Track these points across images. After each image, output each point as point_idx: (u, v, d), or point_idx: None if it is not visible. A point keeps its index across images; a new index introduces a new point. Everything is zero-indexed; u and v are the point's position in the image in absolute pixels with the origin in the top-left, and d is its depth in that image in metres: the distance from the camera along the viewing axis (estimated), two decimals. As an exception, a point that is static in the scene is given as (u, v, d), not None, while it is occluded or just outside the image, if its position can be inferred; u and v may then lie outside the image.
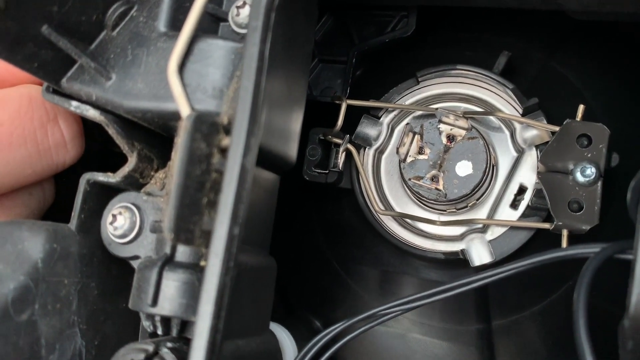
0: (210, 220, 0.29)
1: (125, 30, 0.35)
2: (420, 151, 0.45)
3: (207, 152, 0.30)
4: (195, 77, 0.33)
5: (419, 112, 0.48)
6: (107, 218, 0.37)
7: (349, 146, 0.47)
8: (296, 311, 0.55)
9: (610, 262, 0.33)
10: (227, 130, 0.31)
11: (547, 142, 0.44)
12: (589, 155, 0.41)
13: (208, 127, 0.30)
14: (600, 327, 0.36)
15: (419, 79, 0.48)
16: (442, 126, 0.44)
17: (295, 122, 0.39)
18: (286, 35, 0.36)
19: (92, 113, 0.35)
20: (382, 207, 0.48)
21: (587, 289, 0.31)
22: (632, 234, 0.31)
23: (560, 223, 0.41)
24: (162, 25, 0.34)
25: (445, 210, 0.47)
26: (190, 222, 0.29)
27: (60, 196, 0.45)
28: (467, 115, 0.46)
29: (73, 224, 0.37)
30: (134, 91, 0.34)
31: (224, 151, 0.30)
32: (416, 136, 0.45)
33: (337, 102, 0.47)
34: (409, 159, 0.45)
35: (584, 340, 0.30)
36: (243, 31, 0.35)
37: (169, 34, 0.34)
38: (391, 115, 0.49)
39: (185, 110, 0.31)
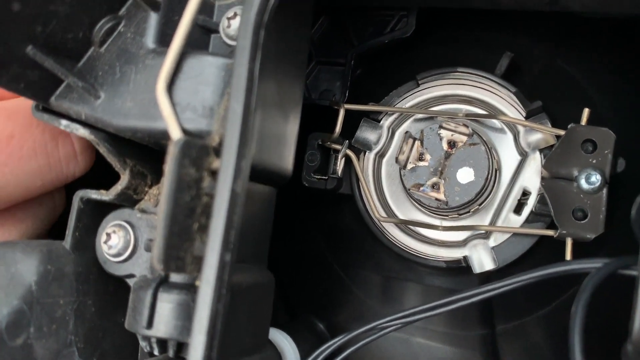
0: (202, 245, 0.29)
1: (113, 46, 0.34)
2: (421, 157, 0.44)
3: (196, 177, 0.29)
4: (185, 95, 0.32)
5: (420, 115, 0.47)
6: (102, 237, 0.36)
7: (348, 152, 0.46)
8: (299, 315, 0.55)
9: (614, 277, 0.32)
10: (218, 151, 0.30)
11: (551, 146, 0.43)
12: (594, 161, 0.40)
13: (197, 151, 0.29)
14: (603, 340, 0.35)
15: (419, 82, 0.47)
16: (442, 132, 0.43)
17: (290, 135, 0.38)
18: (279, 47, 0.35)
19: (82, 132, 0.34)
20: (383, 214, 0.47)
21: (586, 305, 0.31)
22: None
23: (565, 231, 0.40)
24: (150, 41, 0.33)
25: (447, 216, 0.46)
26: (180, 250, 0.28)
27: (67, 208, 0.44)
28: (469, 117, 0.45)
29: (68, 242, 0.36)
30: (123, 110, 0.33)
31: (214, 173, 0.30)
32: (416, 142, 0.44)
33: (335, 107, 0.46)
34: (409, 166, 0.44)
35: (577, 357, 0.30)
36: (234, 43, 0.34)
37: (157, 50, 0.33)
38: (391, 118, 0.48)
39: (174, 132, 0.30)
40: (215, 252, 0.28)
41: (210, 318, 0.28)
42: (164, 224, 0.27)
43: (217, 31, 0.36)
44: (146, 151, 0.37)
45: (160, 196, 0.38)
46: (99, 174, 0.39)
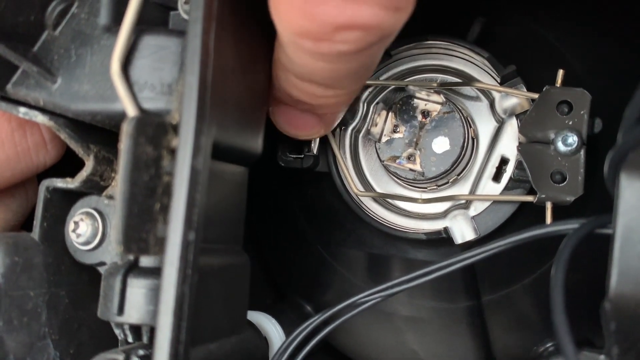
0: (165, 226, 0.28)
1: (68, 28, 0.33)
2: (395, 129, 0.43)
3: (155, 156, 0.28)
4: (142, 73, 0.31)
5: (394, 87, 0.46)
6: (69, 225, 0.36)
7: (323, 128, 0.45)
8: (286, 298, 0.54)
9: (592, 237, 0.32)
10: (177, 129, 0.29)
11: (527, 111, 0.42)
12: (570, 122, 0.39)
13: (154, 129, 0.28)
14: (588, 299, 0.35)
15: (392, 53, 0.46)
16: (415, 102, 0.42)
17: (257, 111, 0.37)
18: (239, 17, 0.34)
19: (41, 119, 0.34)
20: (362, 189, 0.46)
21: (565, 267, 0.30)
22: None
23: (544, 196, 0.39)
24: (104, 21, 0.32)
25: (426, 188, 0.45)
26: (142, 231, 0.28)
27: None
28: (443, 86, 0.44)
29: (36, 233, 0.36)
30: (81, 93, 0.32)
31: (174, 152, 0.29)
32: (390, 114, 0.43)
33: (307, 83, 0.45)
34: (384, 139, 0.43)
35: (560, 319, 0.29)
36: (192, 18, 0.34)
37: (112, 30, 0.32)
38: (366, 92, 0.47)
39: (131, 112, 0.30)
40: (178, 232, 0.27)
41: (176, 299, 0.27)
42: (122, 204, 0.26)
43: (175, 8, 0.35)
44: (111, 136, 0.36)
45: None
46: (75, 162, 0.39)
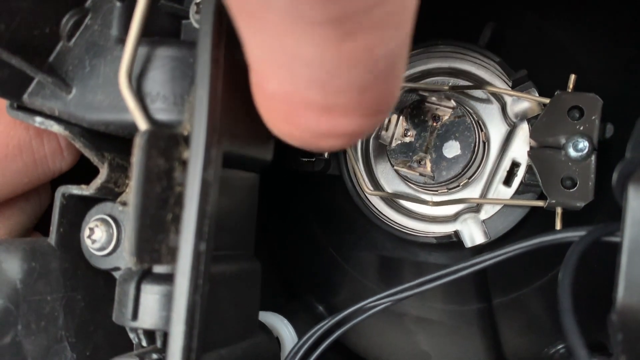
0: (177, 237, 0.29)
1: (82, 40, 0.34)
2: (406, 133, 0.43)
3: (166, 168, 0.29)
4: (155, 85, 0.31)
5: (405, 90, 0.46)
6: (85, 231, 0.36)
7: (335, 131, 0.46)
8: (299, 298, 0.55)
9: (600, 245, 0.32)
10: (188, 141, 0.29)
11: (538, 115, 0.42)
12: (581, 128, 0.39)
13: (166, 141, 0.29)
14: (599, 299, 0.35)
15: (403, 57, 0.46)
16: (426, 106, 0.43)
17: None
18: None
19: (56, 128, 0.34)
20: (372, 188, 0.47)
21: (572, 273, 0.30)
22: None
23: (554, 201, 0.39)
24: (116, 32, 0.33)
25: (437, 191, 0.46)
26: (154, 242, 0.28)
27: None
28: (455, 89, 0.44)
29: (52, 238, 0.36)
30: (95, 104, 0.33)
31: (186, 163, 0.29)
32: (400, 118, 0.43)
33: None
34: (394, 143, 0.43)
35: (570, 324, 0.29)
36: (204, 28, 0.34)
37: (124, 41, 0.33)
38: (377, 95, 0.47)
39: (142, 124, 0.30)
40: (189, 243, 0.28)
41: (188, 309, 0.27)
42: (134, 216, 0.27)
43: (187, 17, 0.35)
44: (124, 143, 0.37)
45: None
46: (89, 167, 0.39)
